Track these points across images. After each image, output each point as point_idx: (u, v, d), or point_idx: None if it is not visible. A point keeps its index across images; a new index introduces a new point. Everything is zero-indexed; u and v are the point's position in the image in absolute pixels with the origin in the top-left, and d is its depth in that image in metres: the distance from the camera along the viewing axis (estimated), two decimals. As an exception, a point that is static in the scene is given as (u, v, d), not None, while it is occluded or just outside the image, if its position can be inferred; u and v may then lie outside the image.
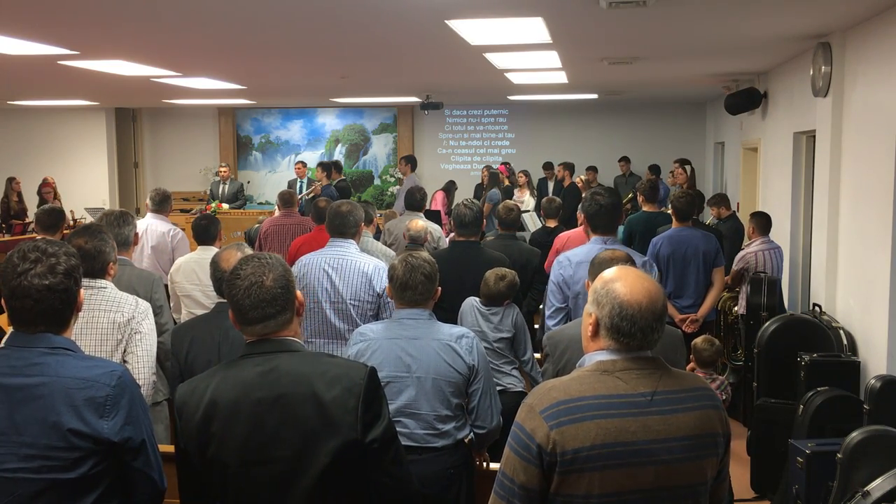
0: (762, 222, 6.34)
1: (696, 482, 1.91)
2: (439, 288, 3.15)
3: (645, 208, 6.77)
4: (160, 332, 3.74)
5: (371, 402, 2.11)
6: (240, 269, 2.18)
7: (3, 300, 2.10)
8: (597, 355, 1.97)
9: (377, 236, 6.28)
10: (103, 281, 3.34)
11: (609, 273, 2.02)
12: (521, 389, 4.10)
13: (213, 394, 2.11)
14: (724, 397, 4.83)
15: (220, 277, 3.31)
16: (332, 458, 2.05)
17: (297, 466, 2.06)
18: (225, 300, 3.30)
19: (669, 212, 6.27)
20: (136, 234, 4.24)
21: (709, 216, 8.40)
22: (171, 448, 3.26)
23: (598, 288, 1.99)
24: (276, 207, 7.64)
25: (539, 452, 1.84)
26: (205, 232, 5.17)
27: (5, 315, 2.15)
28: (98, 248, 3.34)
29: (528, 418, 1.89)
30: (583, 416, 1.84)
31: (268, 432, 2.07)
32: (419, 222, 5.70)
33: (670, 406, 1.90)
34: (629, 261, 3.12)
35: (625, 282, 1.95)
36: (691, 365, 5.03)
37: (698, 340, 5.01)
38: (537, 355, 4.41)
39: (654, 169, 12.05)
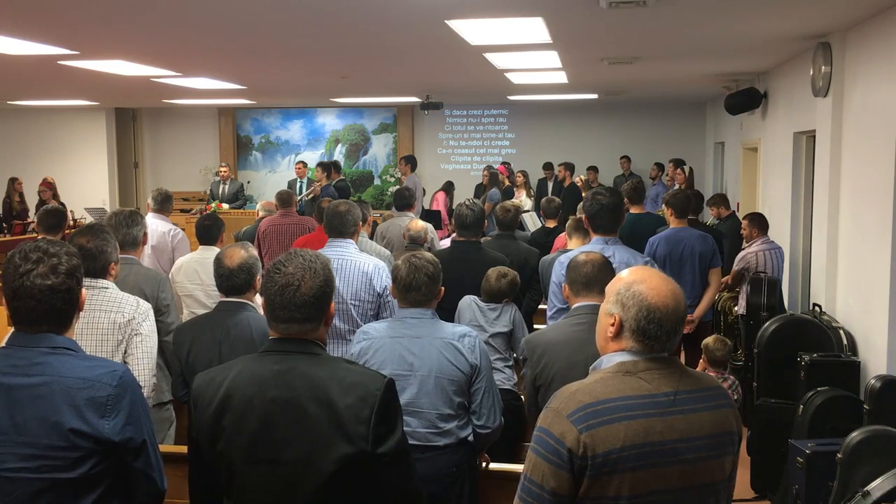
0: (761, 221, 6.35)
1: (718, 480, 1.93)
2: (443, 287, 3.15)
3: (632, 210, 6.65)
4: (166, 332, 3.74)
5: (385, 414, 2.07)
6: (283, 264, 2.15)
7: (4, 300, 2.10)
8: (616, 356, 1.96)
9: (370, 236, 6.27)
10: (104, 281, 3.33)
11: (630, 274, 2.00)
12: (509, 387, 4.07)
13: (229, 387, 2.11)
14: (735, 397, 4.83)
15: (223, 274, 3.31)
16: (339, 466, 2.02)
17: (303, 470, 2.04)
18: (227, 299, 3.33)
19: (664, 213, 6.24)
20: (145, 234, 4.25)
21: (709, 216, 8.41)
22: (174, 448, 3.26)
23: (620, 290, 1.96)
24: (271, 208, 7.55)
25: (570, 457, 1.82)
26: (207, 232, 5.18)
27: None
28: (100, 247, 3.33)
29: (554, 422, 1.86)
30: (611, 418, 1.84)
31: (278, 432, 2.05)
32: (418, 223, 5.71)
33: (691, 406, 1.91)
34: (605, 262, 3.06)
35: (650, 283, 1.94)
36: (702, 364, 5.04)
37: (709, 340, 5.02)
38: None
39: (660, 166, 12.04)
